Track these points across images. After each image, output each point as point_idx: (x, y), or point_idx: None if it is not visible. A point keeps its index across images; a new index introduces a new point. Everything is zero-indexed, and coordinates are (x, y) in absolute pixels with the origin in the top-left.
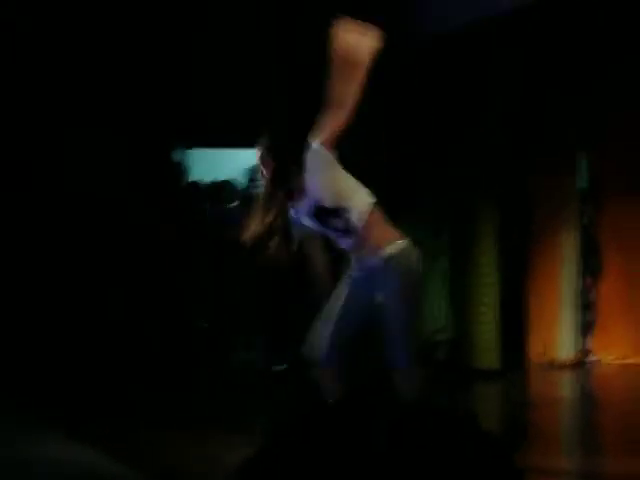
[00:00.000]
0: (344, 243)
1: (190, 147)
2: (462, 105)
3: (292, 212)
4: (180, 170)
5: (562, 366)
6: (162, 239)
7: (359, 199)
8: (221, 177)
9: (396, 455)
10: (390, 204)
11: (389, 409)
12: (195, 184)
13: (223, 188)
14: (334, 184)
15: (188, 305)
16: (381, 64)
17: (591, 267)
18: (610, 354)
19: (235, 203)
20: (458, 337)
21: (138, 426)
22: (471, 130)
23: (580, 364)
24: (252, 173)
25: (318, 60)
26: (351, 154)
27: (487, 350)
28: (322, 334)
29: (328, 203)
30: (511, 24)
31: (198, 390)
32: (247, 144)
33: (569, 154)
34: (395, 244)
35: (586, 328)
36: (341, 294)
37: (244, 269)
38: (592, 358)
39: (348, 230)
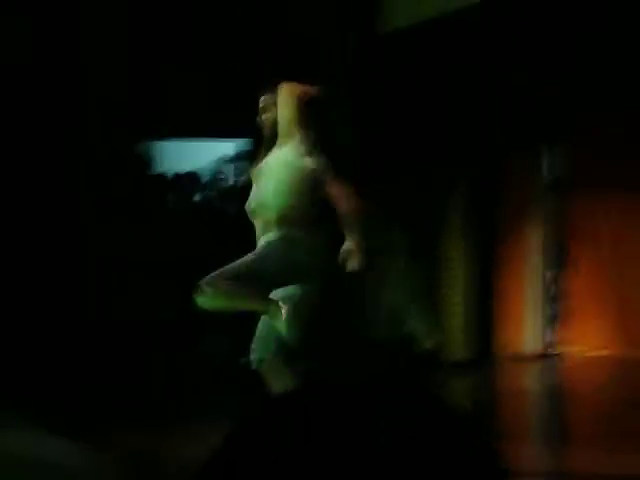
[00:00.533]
0: None
1: (157, 138)
2: (429, 98)
3: None
4: (145, 161)
5: (528, 358)
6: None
7: None
8: (187, 169)
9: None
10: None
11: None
12: (162, 176)
13: (186, 179)
14: None
15: (156, 297)
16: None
17: (559, 259)
18: (579, 346)
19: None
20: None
21: (106, 419)
22: (438, 123)
23: (547, 356)
24: (218, 165)
25: None
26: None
27: (455, 343)
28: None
29: None
30: (478, 14)
31: (167, 382)
32: (215, 135)
33: (536, 146)
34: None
35: (553, 320)
36: None
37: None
38: (559, 350)
39: None
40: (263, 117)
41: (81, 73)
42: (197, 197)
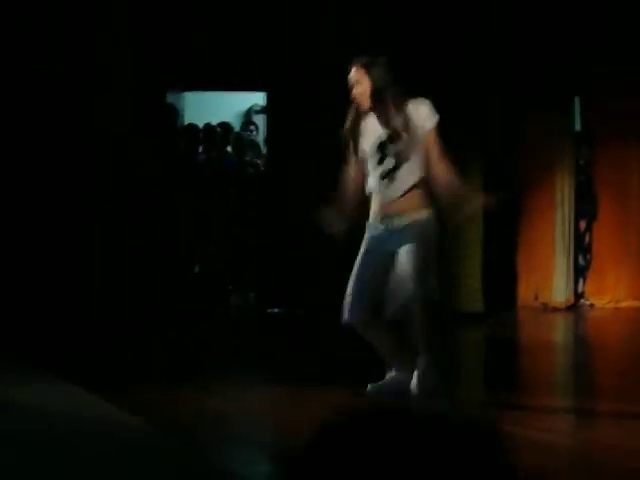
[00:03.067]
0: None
1: (184, 89)
2: (458, 40)
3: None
4: (174, 113)
5: (555, 309)
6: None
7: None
8: (215, 121)
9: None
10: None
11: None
12: (191, 127)
13: (217, 132)
14: None
15: (182, 249)
16: None
17: (586, 210)
18: (603, 298)
19: (228, 148)
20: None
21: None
22: (466, 69)
23: (573, 307)
24: (246, 117)
25: None
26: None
27: (472, 292)
28: (354, 294)
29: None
30: None
31: (196, 336)
32: (241, 87)
33: (565, 98)
34: (419, 213)
35: (584, 271)
36: (362, 255)
37: (241, 214)
38: (586, 302)
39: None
40: (356, 91)
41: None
42: (227, 148)
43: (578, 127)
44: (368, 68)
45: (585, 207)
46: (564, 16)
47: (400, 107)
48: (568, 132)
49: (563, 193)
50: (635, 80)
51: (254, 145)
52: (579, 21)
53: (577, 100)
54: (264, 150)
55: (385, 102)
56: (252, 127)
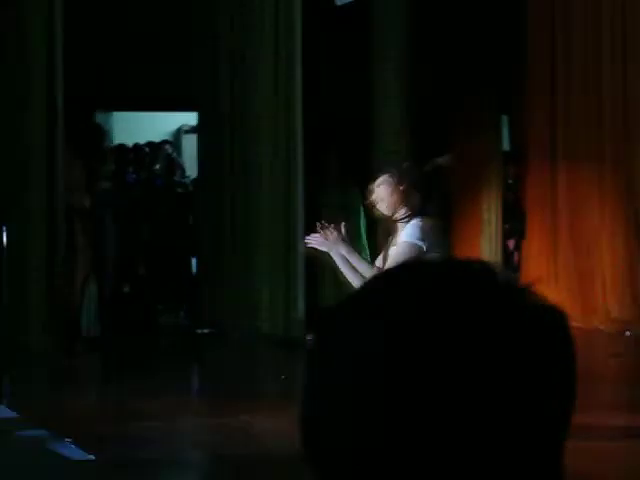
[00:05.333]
0: None
1: (113, 109)
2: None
3: None
4: (102, 132)
5: None
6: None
7: None
8: (144, 140)
9: None
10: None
11: None
12: (120, 147)
13: (145, 152)
14: None
15: (112, 269)
16: None
17: (514, 229)
18: None
19: (158, 167)
20: None
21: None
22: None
23: None
24: (175, 136)
25: None
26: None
27: None
28: None
29: None
30: None
31: (125, 353)
32: (170, 107)
33: (491, 116)
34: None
35: None
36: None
37: (170, 233)
38: None
39: None
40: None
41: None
42: (153, 169)
43: (506, 146)
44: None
45: (513, 225)
46: (489, 35)
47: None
48: (496, 151)
49: (490, 212)
50: (557, 102)
51: (181, 165)
52: (504, 39)
53: (505, 119)
54: (192, 170)
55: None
56: (168, 147)
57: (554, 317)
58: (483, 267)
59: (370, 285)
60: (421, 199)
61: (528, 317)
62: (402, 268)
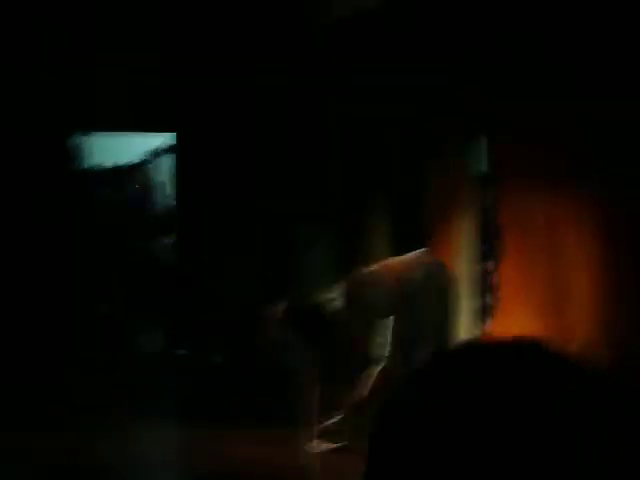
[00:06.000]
0: None
1: (90, 131)
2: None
3: None
4: (77, 154)
5: None
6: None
7: None
8: (120, 162)
9: None
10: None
11: None
12: (97, 168)
13: (123, 172)
14: None
15: (87, 290)
16: None
17: (491, 251)
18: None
19: (136, 187)
20: None
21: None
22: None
23: None
24: (151, 157)
25: None
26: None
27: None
28: None
29: None
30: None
31: (101, 373)
32: (145, 128)
33: (466, 137)
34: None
35: (486, 312)
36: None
37: (146, 255)
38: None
39: None
40: None
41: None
42: (122, 191)
43: (484, 168)
44: None
45: (490, 247)
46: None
47: None
48: (472, 172)
49: (467, 234)
50: (539, 120)
51: (160, 185)
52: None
53: (482, 140)
54: (170, 190)
55: None
56: (148, 166)
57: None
58: (539, 350)
59: (437, 369)
60: None
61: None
62: (465, 350)
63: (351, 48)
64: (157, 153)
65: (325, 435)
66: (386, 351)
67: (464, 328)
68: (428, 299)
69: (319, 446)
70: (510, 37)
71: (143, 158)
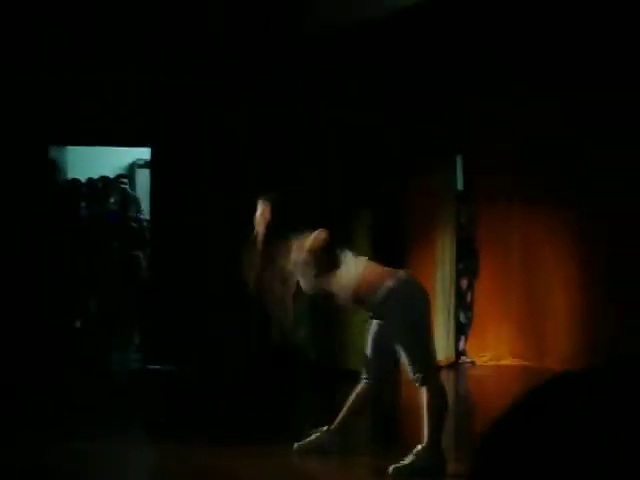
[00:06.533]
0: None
1: (67, 144)
2: (335, 107)
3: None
4: (56, 167)
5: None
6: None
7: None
8: (97, 175)
9: None
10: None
11: None
12: (74, 181)
13: (99, 186)
14: None
15: (61, 305)
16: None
17: (468, 268)
18: (485, 355)
19: (112, 201)
20: (324, 338)
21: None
22: (341, 133)
23: (454, 365)
24: (128, 171)
25: None
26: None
27: (356, 352)
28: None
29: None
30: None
31: (73, 391)
32: (123, 142)
33: (445, 156)
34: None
35: (461, 329)
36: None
37: (122, 270)
38: (467, 359)
39: None
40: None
41: None
42: (106, 204)
43: (460, 185)
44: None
45: (467, 265)
46: (444, 75)
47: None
48: (450, 190)
49: (444, 251)
50: (515, 138)
51: (136, 200)
52: (456, 79)
53: (459, 159)
54: (144, 204)
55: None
56: (124, 180)
57: None
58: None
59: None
60: None
61: None
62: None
63: (334, 56)
64: (132, 168)
65: (313, 442)
66: (365, 363)
67: (440, 344)
68: (400, 312)
69: (308, 446)
70: (488, 65)
71: (118, 172)
